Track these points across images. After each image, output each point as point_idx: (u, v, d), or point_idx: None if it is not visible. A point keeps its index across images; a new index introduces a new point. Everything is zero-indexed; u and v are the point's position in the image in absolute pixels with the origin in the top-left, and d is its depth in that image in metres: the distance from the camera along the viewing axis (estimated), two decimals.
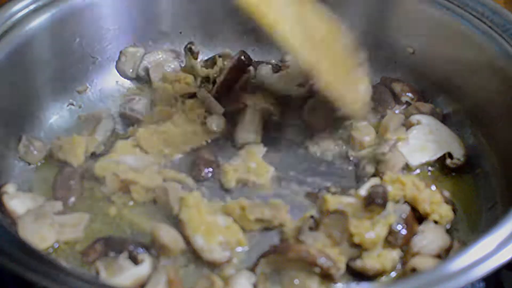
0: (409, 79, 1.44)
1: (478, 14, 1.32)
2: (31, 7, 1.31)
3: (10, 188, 1.17)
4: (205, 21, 1.52)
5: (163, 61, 1.47)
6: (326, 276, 1.05)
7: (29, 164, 1.27)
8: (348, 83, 1.27)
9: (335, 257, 1.07)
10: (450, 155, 1.28)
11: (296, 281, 1.05)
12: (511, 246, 0.93)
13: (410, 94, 1.41)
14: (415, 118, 1.34)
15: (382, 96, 1.41)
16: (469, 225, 1.18)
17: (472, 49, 1.32)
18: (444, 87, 1.40)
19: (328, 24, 1.25)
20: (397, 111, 1.39)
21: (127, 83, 1.47)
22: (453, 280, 0.89)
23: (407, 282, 0.94)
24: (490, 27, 1.30)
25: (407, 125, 1.33)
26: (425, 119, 1.33)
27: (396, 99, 1.41)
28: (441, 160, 1.28)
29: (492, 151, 1.28)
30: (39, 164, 1.27)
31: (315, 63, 1.20)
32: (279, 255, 1.05)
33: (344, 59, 1.27)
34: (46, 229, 1.11)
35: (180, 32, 1.52)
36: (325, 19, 1.25)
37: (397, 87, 1.42)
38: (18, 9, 1.29)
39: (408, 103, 1.40)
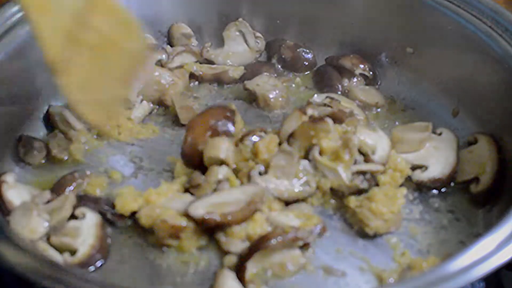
0: (409, 79, 1.45)
1: (478, 14, 1.32)
2: None
3: (9, 177, 1.17)
4: (205, 20, 1.53)
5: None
6: (304, 245, 1.09)
7: (29, 164, 1.27)
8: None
9: (304, 224, 1.10)
10: None
11: (281, 260, 1.07)
12: (511, 246, 0.93)
13: (362, 66, 1.45)
14: None
15: (326, 78, 1.44)
16: (468, 225, 1.18)
17: (472, 49, 1.32)
18: (444, 87, 1.40)
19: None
20: (355, 84, 1.44)
21: None
22: (453, 280, 0.89)
23: (407, 283, 0.94)
24: (490, 27, 1.30)
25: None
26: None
27: (349, 74, 1.44)
28: None
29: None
30: (39, 164, 1.28)
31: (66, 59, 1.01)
32: (262, 251, 1.06)
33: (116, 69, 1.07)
34: (34, 221, 1.10)
35: None
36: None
37: (346, 62, 1.44)
38: (18, 9, 1.29)
39: (363, 76, 1.44)
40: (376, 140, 1.20)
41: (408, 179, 1.22)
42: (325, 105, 1.28)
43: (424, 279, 0.90)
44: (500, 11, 1.31)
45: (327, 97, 1.32)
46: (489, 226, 1.01)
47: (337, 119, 1.19)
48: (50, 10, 0.99)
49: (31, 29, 0.98)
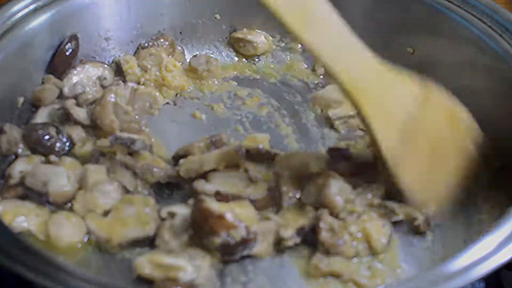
0: None
1: (478, 14, 1.32)
2: (31, 7, 1.31)
3: None
4: (205, 20, 1.53)
5: None
6: None
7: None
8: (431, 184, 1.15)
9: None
10: None
11: None
12: (511, 246, 0.93)
13: None
14: None
15: None
16: (468, 225, 1.18)
17: (472, 49, 1.32)
18: (443, 87, 1.40)
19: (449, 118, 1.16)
20: None
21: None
22: (453, 280, 0.89)
23: (408, 282, 0.94)
24: (490, 27, 1.30)
25: None
26: None
27: None
28: None
29: (493, 150, 1.28)
30: None
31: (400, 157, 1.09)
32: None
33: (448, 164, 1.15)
34: None
35: (180, 32, 1.52)
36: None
37: None
38: (18, 9, 1.29)
39: None
40: None
41: None
42: None
43: (424, 279, 0.90)
44: (500, 11, 1.31)
45: None
46: (489, 226, 1.01)
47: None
48: (384, 111, 1.06)
49: (365, 123, 1.08)
